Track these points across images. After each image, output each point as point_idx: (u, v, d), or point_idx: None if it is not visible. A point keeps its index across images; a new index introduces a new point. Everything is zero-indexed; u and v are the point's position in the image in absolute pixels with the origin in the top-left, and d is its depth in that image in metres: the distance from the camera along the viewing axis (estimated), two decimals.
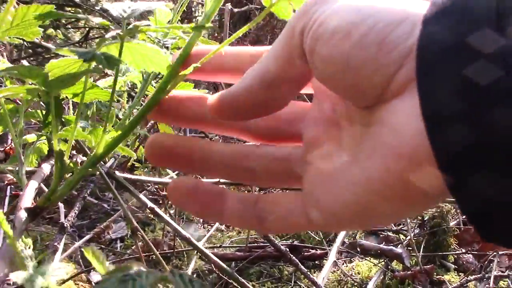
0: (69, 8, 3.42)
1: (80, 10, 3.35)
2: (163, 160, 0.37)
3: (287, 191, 0.35)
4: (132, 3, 0.42)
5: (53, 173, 0.68)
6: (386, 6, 0.27)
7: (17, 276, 0.36)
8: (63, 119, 0.64)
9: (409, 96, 0.26)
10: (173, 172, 1.19)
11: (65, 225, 0.66)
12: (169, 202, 1.63)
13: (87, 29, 3.48)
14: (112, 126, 0.87)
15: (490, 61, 0.23)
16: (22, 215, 0.44)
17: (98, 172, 0.72)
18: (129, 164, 1.34)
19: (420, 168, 0.25)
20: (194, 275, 1.45)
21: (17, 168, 0.59)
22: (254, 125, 0.37)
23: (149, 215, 1.68)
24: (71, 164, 0.44)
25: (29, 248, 0.37)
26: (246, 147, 0.36)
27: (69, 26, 3.39)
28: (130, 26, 0.40)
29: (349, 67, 0.27)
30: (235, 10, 2.63)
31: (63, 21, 3.05)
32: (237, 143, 0.37)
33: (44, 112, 0.62)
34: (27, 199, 0.47)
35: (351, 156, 0.30)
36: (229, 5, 1.87)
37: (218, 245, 1.67)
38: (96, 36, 3.47)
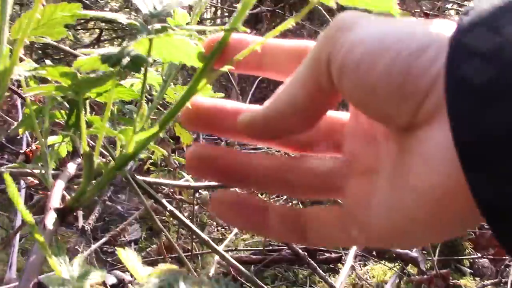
0: None
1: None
2: (203, 172, 0.36)
3: (328, 205, 0.36)
4: None
5: (77, 173, 0.67)
6: (409, 32, 0.27)
7: (49, 280, 0.35)
8: (86, 120, 0.64)
9: (438, 124, 0.25)
10: (189, 175, 1.18)
11: (86, 228, 0.65)
12: (183, 204, 1.62)
13: (97, 30, 3.49)
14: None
15: (484, 59, 0.23)
16: (52, 216, 0.43)
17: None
18: (145, 167, 1.33)
19: (453, 197, 0.25)
20: None
21: (43, 171, 0.58)
22: (291, 136, 0.36)
23: (163, 218, 1.68)
24: (101, 164, 0.44)
25: (62, 251, 0.36)
26: (286, 160, 0.36)
27: (79, 28, 3.40)
28: (158, 27, 0.39)
29: (376, 96, 0.27)
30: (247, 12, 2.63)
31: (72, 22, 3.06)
32: (275, 155, 0.37)
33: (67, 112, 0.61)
34: (55, 199, 0.46)
35: (388, 180, 0.30)
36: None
37: (233, 248, 1.66)
38: (108, 38, 3.48)
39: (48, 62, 0.57)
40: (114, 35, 3.52)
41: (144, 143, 0.42)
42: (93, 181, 0.45)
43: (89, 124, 0.66)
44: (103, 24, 3.58)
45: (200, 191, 1.44)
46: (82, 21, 3.46)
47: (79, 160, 0.63)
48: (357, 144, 0.34)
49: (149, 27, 0.37)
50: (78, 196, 0.44)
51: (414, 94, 0.26)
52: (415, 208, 0.27)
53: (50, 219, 0.42)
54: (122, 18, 0.41)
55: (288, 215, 0.34)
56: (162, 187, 1.51)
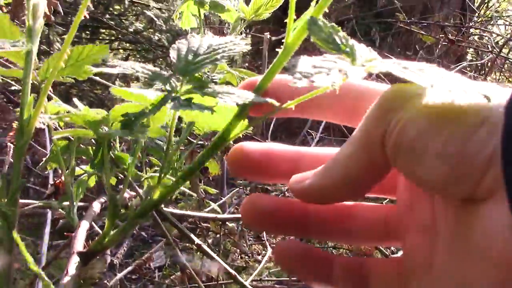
0: (104, 30, 3.51)
1: (114, 32, 3.44)
2: (260, 226, 0.36)
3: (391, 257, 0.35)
4: (207, 42, 0.38)
5: (102, 210, 0.67)
6: (460, 110, 0.26)
7: None
8: (112, 155, 0.64)
9: (497, 201, 0.25)
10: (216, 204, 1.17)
11: (115, 263, 0.65)
12: (208, 232, 1.62)
13: (121, 50, 3.56)
14: (158, 159, 0.87)
15: None
16: (75, 260, 0.43)
17: None
18: (173, 197, 1.33)
19: None
20: None
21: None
22: None
23: (187, 245, 1.67)
24: (125, 210, 0.43)
25: None
26: (341, 208, 0.35)
27: None
28: (185, 92, 0.36)
29: (432, 176, 0.27)
30: (273, 38, 2.64)
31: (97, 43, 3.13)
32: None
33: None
34: (79, 242, 0.46)
35: (447, 247, 0.29)
36: (267, 34, 1.87)
37: (258, 277, 1.64)
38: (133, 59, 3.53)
39: (75, 100, 0.57)
40: (138, 56, 3.59)
41: (170, 191, 0.41)
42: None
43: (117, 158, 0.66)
44: (127, 44, 3.64)
45: (227, 222, 1.44)
46: (106, 41, 3.53)
47: (104, 198, 0.63)
48: (412, 194, 0.33)
49: (178, 84, 0.36)
50: (101, 239, 0.44)
51: (470, 175, 0.25)
52: (475, 282, 0.26)
53: (73, 264, 0.42)
54: (142, 70, 0.39)
55: (351, 267, 0.34)
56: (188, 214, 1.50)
